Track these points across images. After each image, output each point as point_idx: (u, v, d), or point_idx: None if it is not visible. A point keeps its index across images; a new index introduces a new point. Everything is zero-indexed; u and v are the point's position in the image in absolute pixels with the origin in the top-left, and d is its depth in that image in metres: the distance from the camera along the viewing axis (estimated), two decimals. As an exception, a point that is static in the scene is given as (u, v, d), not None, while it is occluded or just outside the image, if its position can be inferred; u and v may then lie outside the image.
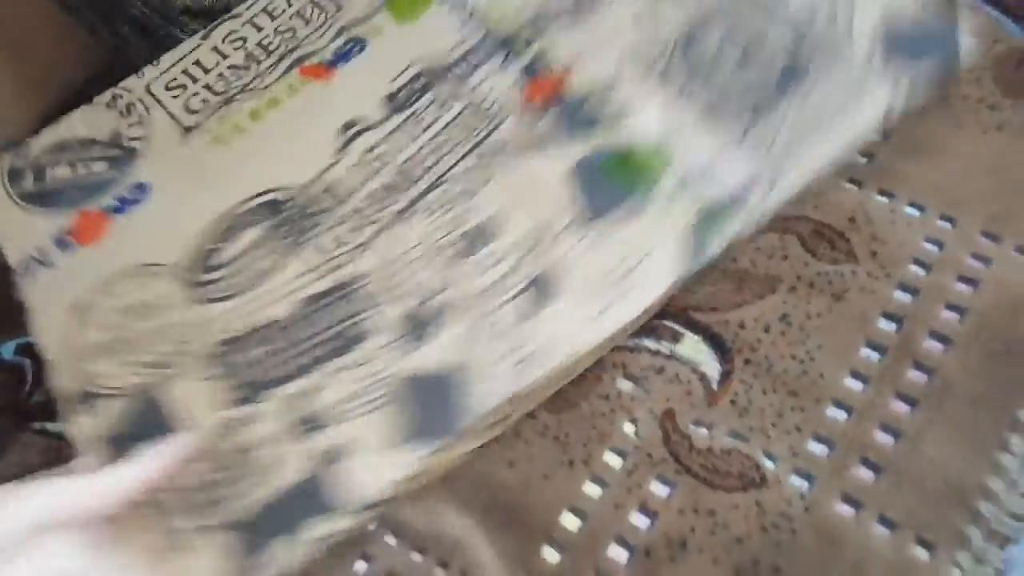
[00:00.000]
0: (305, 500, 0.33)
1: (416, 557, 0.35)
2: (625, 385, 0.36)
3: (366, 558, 0.36)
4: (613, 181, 0.35)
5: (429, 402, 0.33)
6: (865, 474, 0.33)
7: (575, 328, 0.33)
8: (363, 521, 0.34)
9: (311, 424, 0.34)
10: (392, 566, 0.35)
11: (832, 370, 0.35)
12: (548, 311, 0.34)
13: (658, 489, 0.34)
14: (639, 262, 0.34)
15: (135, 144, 0.41)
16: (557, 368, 0.33)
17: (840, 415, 0.34)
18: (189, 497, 0.33)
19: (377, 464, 0.33)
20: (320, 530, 0.32)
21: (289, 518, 0.32)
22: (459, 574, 0.34)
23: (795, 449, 0.34)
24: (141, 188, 0.40)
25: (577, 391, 0.37)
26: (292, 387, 0.34)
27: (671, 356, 0.37)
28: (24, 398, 0.46)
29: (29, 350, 0.47)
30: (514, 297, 0.34)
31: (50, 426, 0.44)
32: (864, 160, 0.40)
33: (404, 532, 0.36)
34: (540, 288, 0.34)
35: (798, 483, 0.33)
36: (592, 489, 0.35)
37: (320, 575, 0.36)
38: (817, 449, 0.34)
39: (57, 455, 0.44)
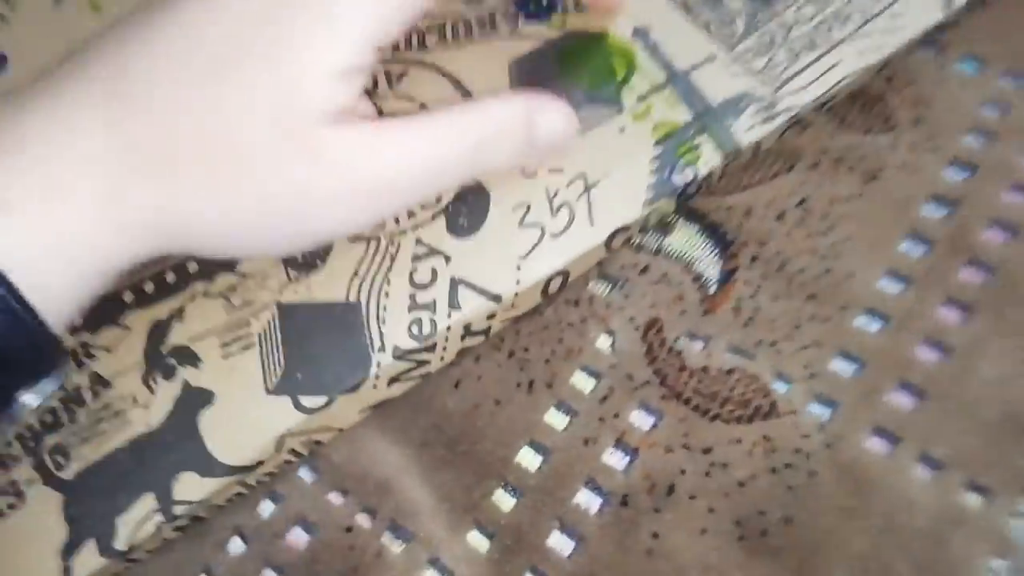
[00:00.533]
0: (157, 457, 0.26)
1: (335, 499, 0.28)
2: (599, 288, 0.29)
3: (274, 498, 0.28)
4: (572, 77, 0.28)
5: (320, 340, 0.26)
6: (903, 400, 0.26)
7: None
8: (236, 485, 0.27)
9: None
10: (303, 509, 0.28)
11: (863, 269, 0.27)
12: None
13: (640, 419, 0.27)
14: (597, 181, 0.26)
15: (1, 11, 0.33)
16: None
17: (872, 325, 0.27)
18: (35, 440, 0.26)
19: (249, 417, 0.26)
20: (181, 493, 0.25)
21: (132, 479, 0.25)
22: (388, 522, 0.27)
23: (814, 369, 0.26)
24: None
25: (544, 299, 0.29)
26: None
27: (658, 251, 0.29)
28: None
29: None
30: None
31: None
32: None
33: (321, 467, 0.28)
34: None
35: (818, 411, 0.26)
36: (557, 419, 0.27)
37: (218, 517, 0.28)
38: (842, 368, 0.26)
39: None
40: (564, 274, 0.27)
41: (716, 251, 0.28)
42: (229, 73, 0.20)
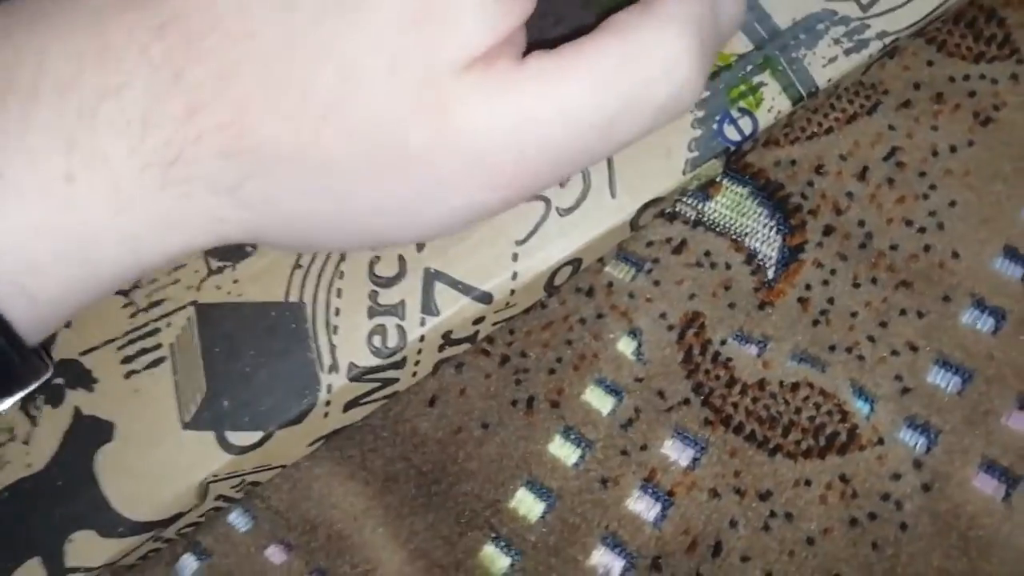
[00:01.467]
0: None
1: (276, 554, 0.22)
2: (620, 271, 0.22)
3: (197, 551, 0.22)
4: None
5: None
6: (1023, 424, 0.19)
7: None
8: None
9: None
10: (234, 568, 0.22)
11: (974, 246, 0.21)
12: None
13: (675, 452, 0.20)
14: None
15: None
16: None
17: (985, 323, 0.20)
18: None
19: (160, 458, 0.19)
20: (76, 558, 0.19)
21: (11, 538, 0.19)
22: (349, 587, 0.21)
23: (907, 381, 0.20)
24: None
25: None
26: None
27: (697, 222, 0.22)
28: None
29: None
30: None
31: None
32: None
33: (258, 514, 0.22)
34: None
35: (911, 440, 0.20)
36: (564, 450, 0.21)
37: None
38: (944, 382, 0.20)
39: None
40: (576, 262, 0.20)
41: (775, 221, 0.22)
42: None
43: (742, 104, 0.20)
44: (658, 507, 0.20)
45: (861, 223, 0.21)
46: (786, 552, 0.19)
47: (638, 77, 0.15)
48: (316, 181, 0.15)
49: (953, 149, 0.21)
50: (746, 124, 0.20)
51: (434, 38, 0.14)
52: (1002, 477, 0.19)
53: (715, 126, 0.19)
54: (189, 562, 0.22)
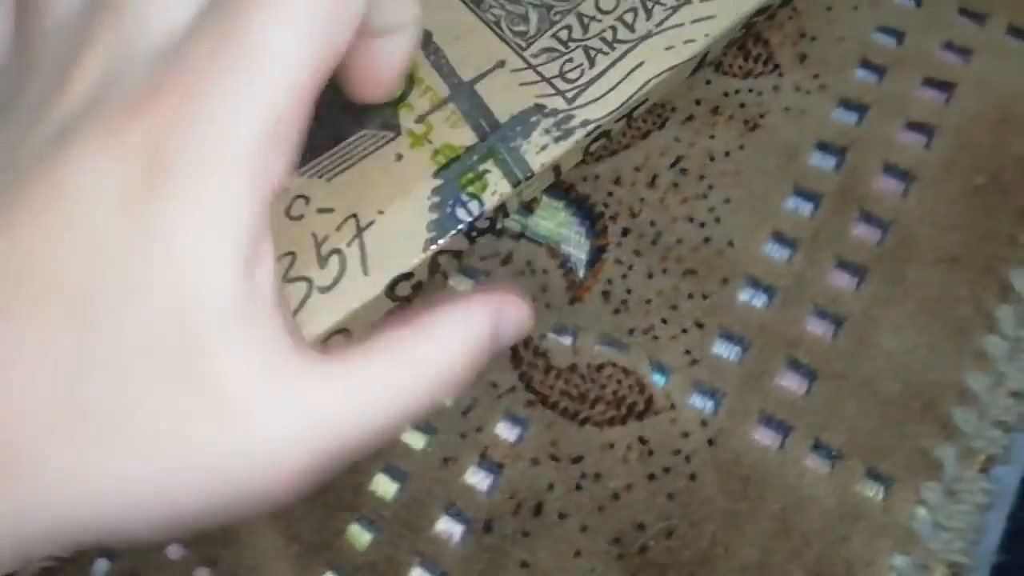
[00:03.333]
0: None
1: (174, 552, 0.25)
2: (461, 284, 0.26)
3: (107, 555, 0.26)
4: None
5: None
6: (793, 383, 0.23)
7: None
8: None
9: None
10: (137, 566, 0.25)
11: (746, 234, 0.24)
12: None
13: (504, 431, 0.24)
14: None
15: None
16: None
17: (757, 299, 0.24)
18: None
19: None
20: None
21: None
22: (229, 574, 0.24)
23: (695, 354, 0.23)
24: None
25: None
26: None
27: (521, 235, 0.26)
28: None
29: None
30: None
31: None
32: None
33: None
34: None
35: (699, 403, 0.23)
36: (414, 438, 0.24)
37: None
38: (726, 352, 0.23)
39: None
40: (344, 331, 0.23)
41: (584, 228, 0.25)
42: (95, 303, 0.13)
43: (470, 190, 0.23)
44: (490, 478, 0.23)
45: (652, 223, 0.25)
46: (596, 507, 0.23)
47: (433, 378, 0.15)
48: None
49: (727, 153, 0.25)
50: (474, 206, 0.23)
51: (195, 314, 0.13)
52: (778, 428, 0.23)
53: (448, 209, 0.23)
54: (102, 565, 0.25)
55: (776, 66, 0.26)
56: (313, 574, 0.24)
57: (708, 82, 0.26)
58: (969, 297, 0.23)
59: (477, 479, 0.23)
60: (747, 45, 0.26)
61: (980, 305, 0.23)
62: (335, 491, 0.24)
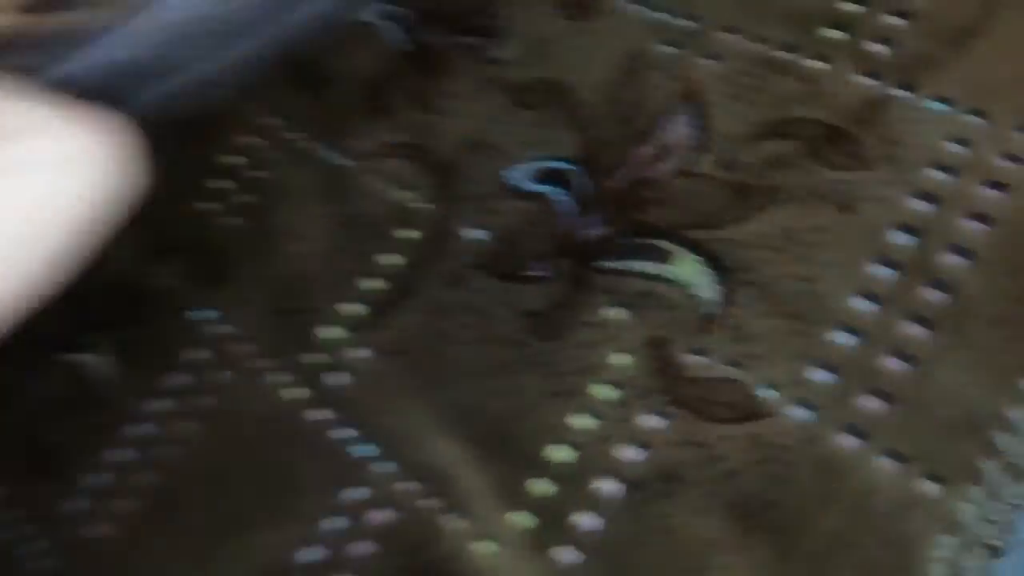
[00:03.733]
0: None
1: (409, 485, 0.35)
2: (616, 313, 0.34)
3: (361, 483, 0.35)
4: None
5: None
6: (872, 404, 0.31)
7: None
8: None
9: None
10: (388, 494, 0.35)
11: (838, 290, 0.32)
12: None
13: (651, 422, 0.32)
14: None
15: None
16: None
17: (847, 340, 0.32)
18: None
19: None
20: None
21: None
22: (450, 504, 0.34)
23: (796, 377, 0.31)
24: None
25: (567, 318, 0.35)
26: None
27: (664, 279, 0.34)
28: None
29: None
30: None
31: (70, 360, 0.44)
32: (883, 49, 0.35)
33: (396, 459, 0.35)
34: None
35: (799, 414, 0.31)
36: (582, 421, 0.33)
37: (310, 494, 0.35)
38: (820, 377, 0.31)
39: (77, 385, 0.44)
40: None
41: (714, 277, 0.34)
42: None
43: None
44: (641, 454, 0.32)
45: (767, 277, 0.33)
46: (717, 481, 0.31)
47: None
48: None
49: (825, 229, 0.33)
50: None
51: None
52: (859, 436, 0.30)
53: None
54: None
55: (867, 164, 0.34)
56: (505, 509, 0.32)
57: (811, 172, 0.34)
58: (1013, 350, 0.30)
59: (631, 454, 0.32)
60: (844, 145, 0.34)
61: (1020, 356, 0.30)
62: (519, 456, 0.33)
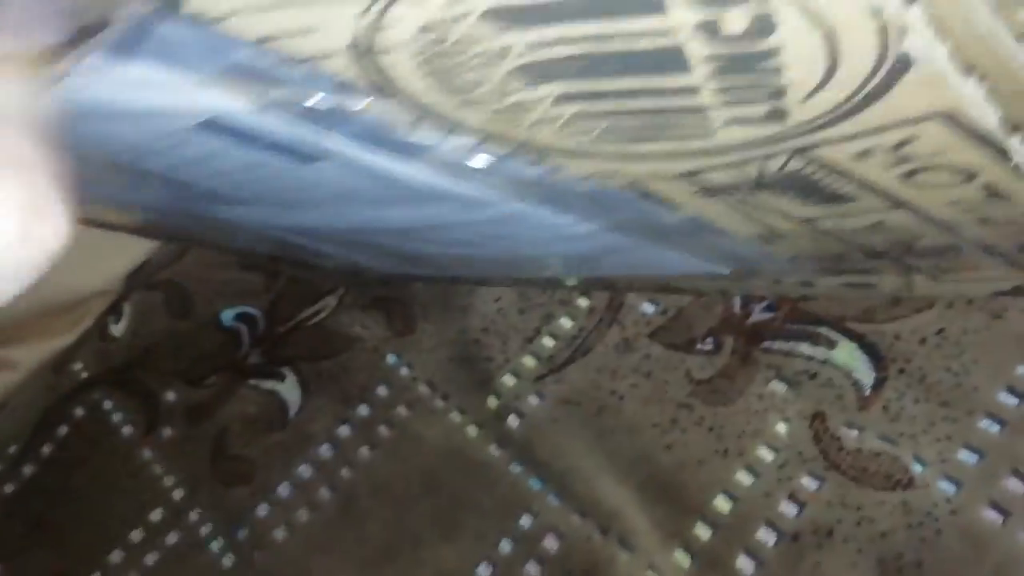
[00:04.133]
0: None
1: (577, 519, 0.39)
2: (779, 387, 0.39)
3: (531, 513, 0.40)
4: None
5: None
6: (1015, 485, 0.34)
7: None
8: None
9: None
10: (555, 524, 0.39)
11: (987, 384, 0.36)
12: None
13: (807, 483, 0.37)
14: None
15: None
16: None
17: (993, 427, 0.36)
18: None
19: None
20: None
21: None
22: (617, 539, 0.38)
23: (944, 456, 0.36)
24: None
25: (733, 388, 0.40)
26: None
27: (825, 362, 0.39)
28: (241, 359, 0.53)
29: (245, 318, 0.55)
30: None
31: (263, 383, 0.51)
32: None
33: (566, 495, 0.40)
34: None
35: (946, 487, 0.35)
36: (744, 477, 0.38)
37: (485, 519, 0.40)
38: (967, 458, 0.35)
39: (269, 408, 0.51)
40: None
41: (871, 364, 0.38)
42: None
43: None
44: (797, 509, 0.36)
45: (920, 368, 0.38)
46: (869, 539, 0.35)
47: None
48: None
49: (976, 331, 0.38)
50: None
51: None
52: (1001, 512, 0.34)
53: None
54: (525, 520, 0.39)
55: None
56: (672, 547, 0.37)
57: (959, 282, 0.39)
58: None
59: (788, 509, 0.36)
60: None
61: None
62: (685, 502, 0.38)
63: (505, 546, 0.40)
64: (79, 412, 0.56)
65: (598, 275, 0.43)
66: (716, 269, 0.36)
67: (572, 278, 0.44)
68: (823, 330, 0.40)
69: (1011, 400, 0.36)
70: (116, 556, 0.48)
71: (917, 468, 0.36)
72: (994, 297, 0.36)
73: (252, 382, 0.52)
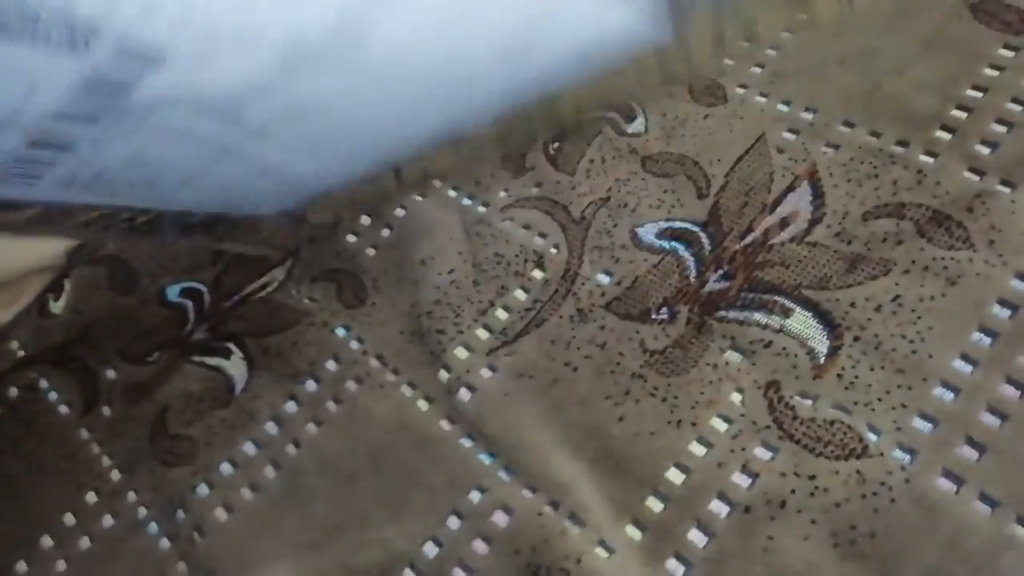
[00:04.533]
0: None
1: (527, 494, 0.38)
2: (733, 356, 0.38)
3: (480, 489, 0.39)
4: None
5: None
6: (968, 452, 0.34)
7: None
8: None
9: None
10: (505, 500, 0.38)
11: (942, 351, 0.36)
12: None
13: (761, 453, 0.36)
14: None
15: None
16: None
17: (947, 395, 0.35)
18: None
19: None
20: None
21: None
22: (568, 514, 0.37)
23: (899, 424, 0.35)
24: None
25: (687, 358, 0.39)
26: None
27: (780, 330, 0.38)
28: (186, 335, 0.51)
29: (191, 293, 0.53)
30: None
31: (208, 360, 0.49)
32: (987, 150, 0.40)
33: (517, 470, 0.39)
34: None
35: (900, 456, 0.34)
36: (697, 448, 0.37)
37: (434, 496, 0.39)
38: (921, 426, 0.35)
39: (213, 385, 0.49)
40: None
41: (826, 332, 0.38)
42: None
43: None
44: (750, 480, 0.35)
45: (876, 335, 0.37)
46: (822, 510, 0.34)
47: None
48: None
49: (932, 298, 0.37)
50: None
51: None
52: (955, 480, 0.33)
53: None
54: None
55: (972, 246, 0.38)
56: (622, 523, 0.36)
57: (922, 249, 0.38)
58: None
59: (741, 480, 0.35)
60: (952, 229, 0.38)
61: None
62: (637, 475, 0.37)
63: (453, 523, 0.39)
64: (13, 392, 0.54)
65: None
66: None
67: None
68: (779, 298, 0.39)
69: (965, 367, 0.35)
70: (45, 542, 0.46)
71: (871, 436, 0.35)
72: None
73: (196, 359, 0.50)
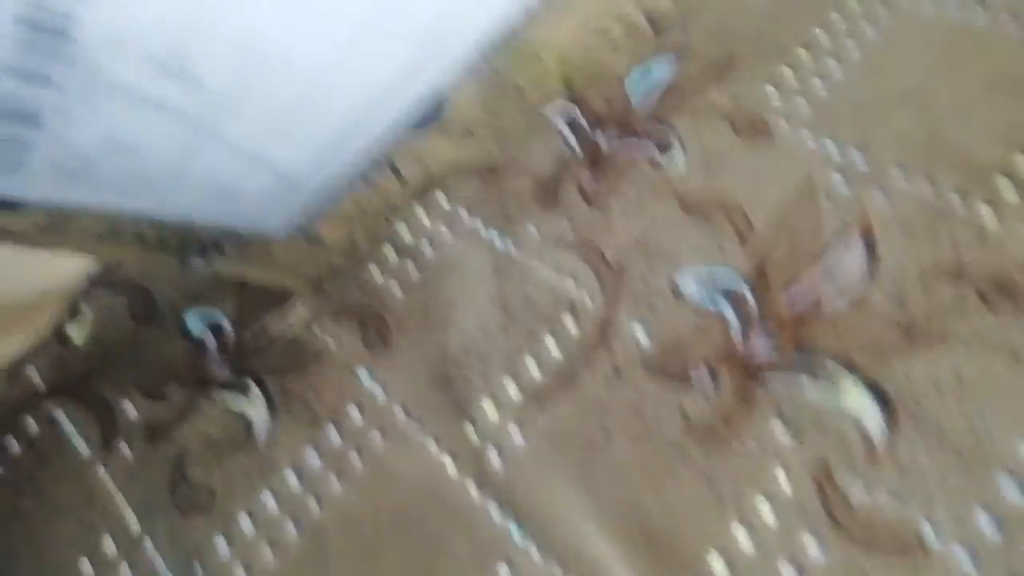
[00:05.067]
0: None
1: (557, 571, 0.36)
2: (778, 428, 0.36)
3: (508, 563, 0.37)
4: None
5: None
6: (1035, 553, 0.31)
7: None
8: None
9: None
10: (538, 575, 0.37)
11: (1005, 438, 0.33)
12: None
13: (810, 545, 0.34)
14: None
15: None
16: None
17: (1011, 490, 0.33)
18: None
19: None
20: None
21: None
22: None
23: (960, 516, 0.33)
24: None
25: (728, 427, 0.37)
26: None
27: (830, 403, 0.36)
28: (206, 371, 0.49)
29: (211, 324, 0.51)
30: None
31: (228, 397, 0.48)
32: (1061, 208, 0.37)
33: (547, 544, 0.37)
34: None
35: (959, 554, 0.32)
36: (740, 532, 0.35)
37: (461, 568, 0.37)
38: (984, 523, 0.32)
39: (232, 428, 0.47)
40: None
41: (880, 409, 0.35)
42: None
43: None
44: (798, 573, 0.33)
45: (935, 416, 0.34)
46: (876, 611, 0.32)
47: None
48: None
49: (997, 376, 0.34)
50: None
51: None
52: (1019, 583, 0.31)
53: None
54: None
55: (1041, 317, 0.35)
56: None
57: (980, 320, 0.36)
58: None
59: (789, 572, 0.33)
60: (1018, 297, 0.36)
61: None
62: (674, 559, 0.35)
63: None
64: (32, 425, 0.53)
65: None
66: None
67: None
68: (829, 365, 0.36)
69: (1033, 456, 0.33)
70: (63, 591, 0.45)
71: (928, 531, 0.33)
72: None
73: (216, 397, 0.49)
